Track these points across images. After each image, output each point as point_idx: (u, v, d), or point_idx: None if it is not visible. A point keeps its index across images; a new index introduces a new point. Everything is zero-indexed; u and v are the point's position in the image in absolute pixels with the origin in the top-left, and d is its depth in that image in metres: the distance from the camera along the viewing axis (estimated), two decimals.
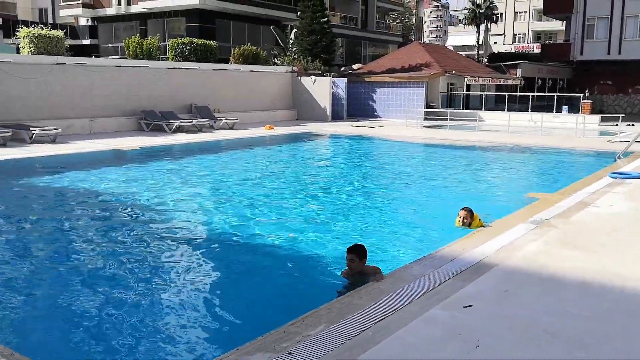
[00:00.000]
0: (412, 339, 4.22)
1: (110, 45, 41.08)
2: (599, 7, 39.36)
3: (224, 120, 23.22)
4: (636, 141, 15.44)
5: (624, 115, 24.96)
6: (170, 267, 6.99)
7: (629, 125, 25.40)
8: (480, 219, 8.05)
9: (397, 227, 8.88)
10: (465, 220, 8.01)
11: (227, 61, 30.18)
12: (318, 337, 4.19)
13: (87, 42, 42.09)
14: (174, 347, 4.92)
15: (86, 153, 15.79)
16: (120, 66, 22.09)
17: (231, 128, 23.19)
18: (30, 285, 6.38)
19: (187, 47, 28.63)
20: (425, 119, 27.74)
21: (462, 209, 8.18)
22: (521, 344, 4.18)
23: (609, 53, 39.56)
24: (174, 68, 23.93)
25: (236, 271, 7.07)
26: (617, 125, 23.37)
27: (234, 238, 8.30)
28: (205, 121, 22.45)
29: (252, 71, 27.73)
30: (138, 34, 31.56)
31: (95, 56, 35.72)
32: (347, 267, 6.01)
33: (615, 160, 14.30)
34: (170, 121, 21.29)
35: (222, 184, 12.65)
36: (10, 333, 5.09)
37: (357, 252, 5.91)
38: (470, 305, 4.86)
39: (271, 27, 35.32)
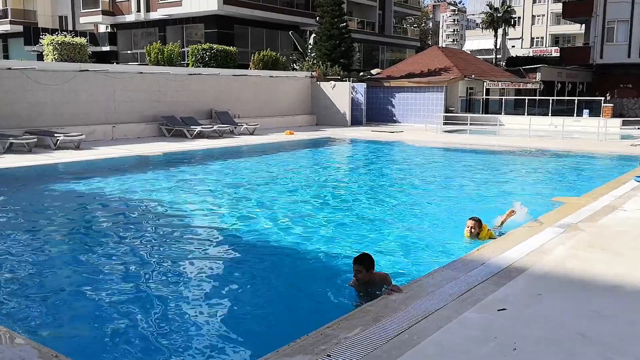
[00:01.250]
0: (448, 341, 4.26)
1: (129, 51, 41.64)
2: (619, 10, 39.01)
3: (244, 126, 23.40)
4: None
5: None
6: (197, 272, 7.10)
7: None
8: (489, 229, 7.98)
9: (422, 233, 8.90)
10: (472, 231, 7.88)
11: (246, 67, 30.42)
12: (355, 340, 4.25)
13: (106, 48, 42.69)
14: (210, 351, 5.01)
15: (111, 159, 16.02)
16: (141, 72, 22.40)
17: (251, 134, 23.37)
18: (59, 289, 6.52)
19: (207, 53, 28.93)
20: (445, 123, 27.67)
21: (470, 218, 8.04)
22: (555, 347, 4.21)
23: (629, 56, 39.18)
24: (195, 74, 24.20)
25: (260, 276, 7.12)
26: (639, 128, 23.11)
27: (259, 244, 8.40)
28: (225, 127, 22.64)
29: (272, 77, 27.92)
30: (159, 41, 31.96)
31: (115, 63, 36.19)
32: (354, 278, 5.91)
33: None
34: (191, 127, 21.52)
35: (245, 189, 12.77)
36: (50, 337, 5.21)
37: (364, 262, 5.82)
38: (504, 309, 4.89)
39: (290, 32, 35.55)
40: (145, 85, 22.05)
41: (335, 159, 19.55)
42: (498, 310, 4.88)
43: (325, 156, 19.89)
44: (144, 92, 22.00)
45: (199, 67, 27.85)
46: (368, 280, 5.80)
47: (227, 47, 30.04)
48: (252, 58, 30.79)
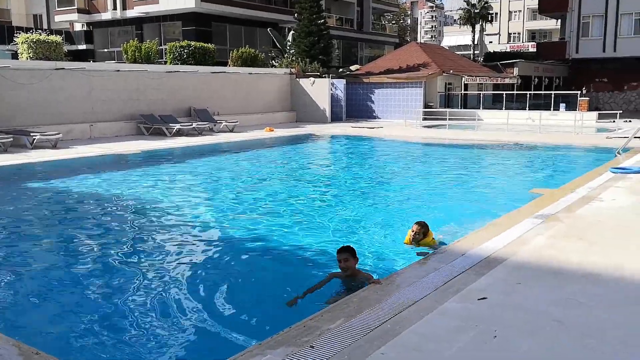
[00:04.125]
0: (430, 330, 4.29)
1: (106, 50, 41.15)
2: (593, 5, 39.61)
3: (224, 123, 23.29)
4: (635, 137, 15.55)
5: (620, 111, 25.13)
6: (177, 268, 7.05)
7: (626, 121, 25.56)
8: (434, 238, 7.31)
9: (403, 226, 8.95)
10: (416, 236, 7.20)
11: (224, 64, 30.27)
12: (338, 331, 4.27)
13: (82, 47, 42.15)
14: (191, 345, 4.99)
15: (88, 158, 15.82)
16: (119, 70, 22.15)
17: (231, 131, 23.26)
18: (34, 286, 6.44)
19: (185, 51, 28.71)
20: (424, 119, 27.86)
21: (417, 223, 7.31)
22: (534, 333, 4.27)
23: (604, 51, 39.80)
24: (173, 72, 24.00)
25: (243, 271, 7.10)
26: (614, 121, 23.52)
27: (240, 239, 8.39)
28: (205, 124, 22.50)
29: (251, 73, 27.82)
30: (136, 39, 31.61)
31: (92, 61, 35.74)
32: (340, 269, 5.86)
33: (616, 156, 14.42)
34: (170, 125, 21.34)
35: (225, 186, 12.72)
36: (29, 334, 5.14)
37: (349, 250, 5.82)
38: (484, 298, 4.94)
39: (268, 29, 35.46)
40: (123, 83, 21.80)
41: (315, 156, 19.55)
42: (478, 299, 4.93)
43: (306, 152, 19.87)
44: (121, 91, 21.75)
45: (177, 64, 27.62)
46: (352, 274, 5.79)
47: (206, 45, 29.85)
48: (230, 55, 30.64)
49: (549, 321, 4.49)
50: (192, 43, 29.49)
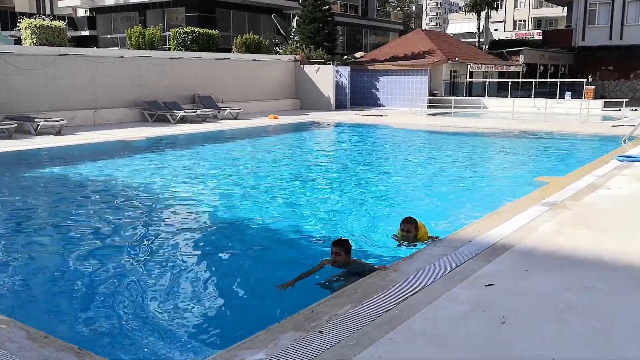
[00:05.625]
0: (438, 316, 4.29)
1: (109, 36, 40.95)
2: None
3: (227, 110, 23.22)
4: None
5: (626, 100, 24.97)
6: (183, 253, 7.07)
7: (632, 110, 25.40)
8: (427, 232, 6.86)
9: (407, 212, 8.92)
10: (408, 234, 6.73)
11: (228, 51, 30.11)
12: (346, 316, 4.26)
13: (85, 33, 41.95)
14: (197, 330, 5.00)
15: (93, 144, 15.82)
16: (122, 57, 22.06)
17: (235, 118, 23.20)
18: (37, 272, 6.45)
19: (189, 37, 28.56)
20: (429, 106, 27.73)
21: (404, 221, 6.79)
22: (542, 318, 4.26)
23: (610, 38, 39.44)
24: (177, 58, 23.90)
25: (246, 258, 7.10)
26: (620, 110, 23.39)
27: (244, 226, 8.40)
28: (209, 111, 22.45)
29: (255, 60, 27.68)
30: (139, 25, 31.45)
31: (95, 47, 35.61)
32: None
33: (621, 144, 14.34)
34: (174, 111, 21.30)
35: (229, 173, 12.71)
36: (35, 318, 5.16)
37: (344, 245, 5.79)
38: (492, 284, 4.93)
39: (272, 15, 35.21)
40: (126, 69, 21.73)
41: (319, 143, 19.49)
42: (486, 285, 4.91)
43: (310, 140, 19.82)
44: (125, 77, 21.68)
45: (181, 51, 27.50)
46: (345, 263, 5.77)
47: (209, 31, 29.67)
48: (234, 42, 30.47)
49: (558, 307, 4.48)
50: (196, 29, 29.32)
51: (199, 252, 7.19)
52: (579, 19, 40.39)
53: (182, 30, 29.28)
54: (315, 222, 8.47)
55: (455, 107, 26.04)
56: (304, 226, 8.27)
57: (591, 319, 4.26)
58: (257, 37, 30.82)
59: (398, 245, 6.79)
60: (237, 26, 37.71)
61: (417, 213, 7.63)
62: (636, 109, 25.80)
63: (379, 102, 31.01)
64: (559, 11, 63.05)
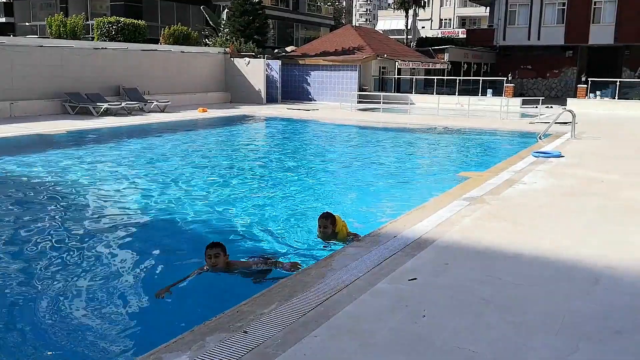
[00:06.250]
0: (362, 312, 4.39)
1: (27, 24, 38.89)
2: None
3: (154, 103, 22.63)
4: (556, 122, 16.34)
5: (543, 98, 26.34)
6: (104, 252, 6.86)
7: (548, 107, 26.81)
8: (347, 227, 6.84)
9: (332, 208, 9.05)
10: (326, 230, 6.70)
11: (156, 42, 29.31)
12: (272, 315, 4.29)
13: (2, 20, 39.64)
14: (120, 335, 4.88)
15: (9, 138, 14.99)
16: (42, 46, 21.03)
17: (162, 111, 22.65)
18: None
19: (114, 27, 27.56)
20: (359, 102, 28.16)
21: (320, 217, 6.75)
22: (460, 311, 4.46)
23: (529, 39, 41.42)
24: (100, 48, 23.02)
25: (168, 256, 6.99)
26: (537, 107, 24.63)
27: (170, 221, 8.25)
28: (135, 104, 21.80)
29: (183, 52, 27.11)
30: (61, 13, 30.02)
31: (12, 35, 33.69)
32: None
33: (537, 141, 15.12)
34: (97, 104, 20.54)
35: (154, 168, 12.40)
36: None
37: (220, 246, 5.83)
38: (414, 279, 5.10)
39: (201, 7, 34.56)
40: (46, 59, 20.70)
41: (249, 137, 19.35)
42: (409, 280, 5.08)
43: (239, 134, 19.64)
44: (45, 67, 20.65)
45: (105, 41, 26.49)
46: (227, 265, 5.85)
47: (136, 21, 28.74)
48: (162, 33, 29.69)
49: (475, 299, 4.70)
50: (122, 19, 28.33)
51: (118, 251, 6.98)
52: (500, 19, 42.15)
53: (106, 19, 28.21)
54: (240, 219, 8.41)
55: (384, 102, 26.57)
56: (227, 223, 8.20)
57: (504, 310, 4.50)
58: (185, 28, 30.19)
59: (323, 247, 6.76)
60: (166, 17, 36.75)
61: (343, 209, 7.77)
62: (552, 107, 27.24)
63: (310, 96, 31.17)
64: (482, 11, 65.44)
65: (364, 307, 4.49)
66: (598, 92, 28.07)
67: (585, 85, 28.02)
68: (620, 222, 7.06)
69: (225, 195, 10.03)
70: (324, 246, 6.74)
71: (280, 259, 6.32)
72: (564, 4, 40.09)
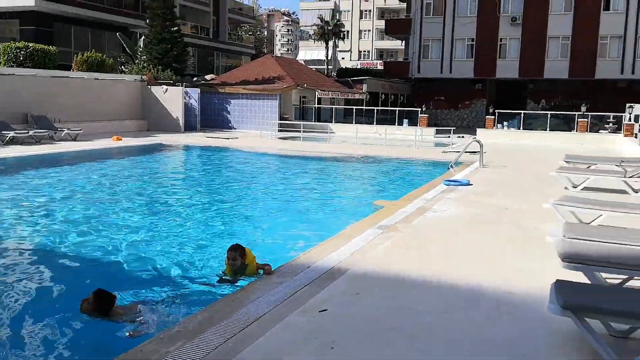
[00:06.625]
0: (272, 346, 4.35)
1: None
2: (432, 30, 43.23)
3: (65, 131, 21.70)
4: (465, 152, 17.15)
5: (455, 128, 27.61)
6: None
7: (460, 137, 28.09)
8: (255, 259, 6.60)
9: (248, 238, 9.00)
10: (235, 262, 6.44)
11: (68, 68, 28.27)
12: (177, 354, 4.15)
13: None
14: None
15: None
16: None
17: (74, 139, 21.74)
18: None
19: (22, 52, 26.33)
20: (280, 130, 28.31)
21: (229, 249, 6.54)
22: (370, 341, 4.51)
23: (442, 72, 43.52)
24: (7, 74, 21.89)
25: (65, 286, 6.67)
26: (449, 137, 25.75)
27: (75, 255, 7.88)
28: (44, 132, 20.81)
29: (97, 79, 26.29)
30: None
31: None
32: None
33: (449, 169, 15.76)
34: (3, 132, 19.44)
35: (61, 199, 11.82)
36: None
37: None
38: (325, 310, 5.12)
39: (117, 33, 33.78)
40: None
41: (163, 167, 18.86)
42: (320, 311, 5.09)
43: (153, 163, 19.09)
44: None
45: (13, 67, 25.23)
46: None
47: (46, 47, 27.60)
48: (74, 59, 28.69)
49: (385, 328, 4.77)
50: (31, 44, 27.12)
51: (17, 286, 6.56)
52: (415, 53, 44.09)
53: (14, 44, 26.91)
54: (141, 252, 8.11)
55: (304, 131, 26.86)
56: (131, 256, 7.90)
57: (413, 339, 4.59)
58: (100, 55, 29.33)
59: (229, 280, 6.55)
60: (79, 43, 35.62)
61: (256, 240, 7.72)
62: (463, 136, 28.55)
63: (230, 124, 31.02)
64: (398, 44, 68.11)
65: (274, 341, 4.45)
66: (505, 123, 29.74)
67: (493, 117, 29.63)
68: (522, 249, 7.43)
69: (128, 227, 9.65)
70: (232, 280, 6.56)
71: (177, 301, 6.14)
72: (472, 40, 42.53)
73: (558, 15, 40.27)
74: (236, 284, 6.28)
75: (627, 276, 5.27)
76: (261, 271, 6.37)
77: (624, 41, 39.22)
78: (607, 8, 39.40)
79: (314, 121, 32.74)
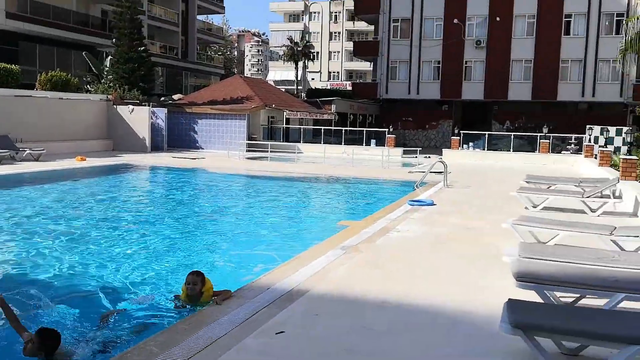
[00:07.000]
0: None
1: None
2: (399, 52, 43.98)
3: (27, 151, 21.25)
4: (430, 172, 17.37)
5: (421, 148, 27.99)
6: None
7: (426, 157, 28.46)
8: (212, 289, 6.29)
9: (209, 259, 8.91)
10: (195, 287, 6.18)
11: (32, 87, 27.80)
12: None
13: None
14: None
15: None
16: None
17: (37, 160, 21.29)
18: None
19: None
20: (248, 150, 28.27)
21: (190, 273, 6.35)
22: None
23: (409, 93, 44.21)
24: None
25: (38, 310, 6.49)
26: (416, 157, 26.08)
27: (37, 277, 7.66)
28: (4, 152, 20.34)
29: (62, 99, 25.90)
30: None
31: None
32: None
33: (414, 189, 15.93)
34: None
35: (22, 221, 11.54)
36: None
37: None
38: (282, 332, 5.08)
39: (83, 52, 33.42)
40: None
41: (127, 188, 18.53)
42: (276, 333, 5.05)
43: (117, 184, 18.77)
44: None
45: None
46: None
47: (8, 65, 27.10)
48: (38, 78, 28.26)
49: (341, 349, 4.76)
50: None
51: None
52: (383, 74, 44.73)
53: None
54: (93, 276, 7.93)
55: (272, 151, 26.88)
56: (85, 281, 7.72)
57: (368, 359, 4.59)
58: (65, 74, 28.94)
59: (180, 306, 6.33)
60: (45, 61, 35.12)
61: (217, 262, 7.63)
62: (430, 157, 28.94)
63: (197, 144, 30.84)
64: (367, 65, 68.99)
65: None
66: (471, 144, 30.28)
67: (458, 137, 30.14)
68: (481, 269, 7.52)
69: (80, 248, 9.42)
70: (184, 306, 6.34)
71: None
72: (439, 62, 43.39)
73: (521, 39, 41.44)
74: (193, 308, 6.16)
75: (579, 295, 5.38)
76: (214, 299, 6.00)
77: (584, 65, 40.53)
78: (567, 33, 40.72)
79: (283, 141, 32.81)
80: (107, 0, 38.11)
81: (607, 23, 39.90)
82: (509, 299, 4.55)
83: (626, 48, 22.22)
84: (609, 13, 39.68)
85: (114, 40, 31.62)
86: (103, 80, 30.83)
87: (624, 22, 24.70)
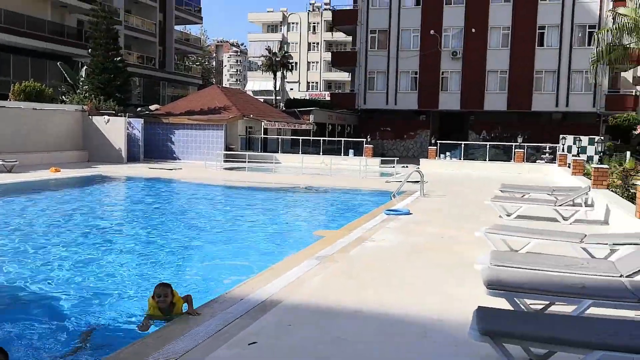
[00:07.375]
0: None
1: None
2: (377, 63, 44.34)
3: (0, 163, 20.90)
4: (407, 181, 17.48)
5: (399, 158, 28.17)
6: None
7: (404, 167, 28.66)
8: (181, 299, 6.18)
9: (183, 270, 8.84)
10: (166, 299, 6.05)
11: (5, 97, 27.41)
12: None
13: None
14: None
15: None
16: None
17: (9, 171, 20.94)
18: None
19: None
20: (225, 161, 28.16)
21: (158, 286, 6.22)
22: None
23: (387, 103, 44.53)
24: None
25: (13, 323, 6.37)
26: (394, 167, 26.24)
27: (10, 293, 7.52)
28: None
29: (36, 109, 25.56)
30: None
31: None
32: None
33: (391, 199, 16.00)
34: None
35: None
36: None
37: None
38: (254, 342, 5.06)
39: (58, 63, 33.08)
40: None
41: (101, 199, 18.26)
42: (249, 344, 5.03)
43: (91, 196, 18.48)
44: None
45: None
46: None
47: None
48: (12, 88, 27.88)
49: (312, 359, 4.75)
50: None
51: None
52: (361, 85, 45.02)
53: None
54: (58, 290, 7.79)
55: (250, 161, 26.81)
56: (54, 296, 7.58)
57: None
58: (39, 84, 28.61)
59: (151, 324, 6.06)
60: (19, 72, 34.69)
61: (189, 273, 7.56)
62: (407, 166, 29.14)
63: (174, 155, 30.65)
64: (345, 75, 69.36)
65: None
66: (448, 153, 30.57)
67: (435, 147, 30.41)
68: (455, 277, 7.57)
69: (49, 262, 9.24)
70: (158, 318, 6.16)
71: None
72: (416, 73, 43.82)
73: (496, 50, 42.10)
74: (165, 320, 6.08)
75: (548, 302, 5.45)
76: (186, 312, 5.94)
77: (557, 76, 41.28)
78: (541, 44, 41.47)
79: (261, 151, 32.75)
80: (83, 10, 37.84)
81: (579, 35, 40.75)
82: (479, 307, 4.59)
83: (597, 59, 22.71)
84: (581, 25, 40.53)
85: (89, 50, 31.38)
86: (78, 91, 30.54)
87: (595, 33, 25.18)
